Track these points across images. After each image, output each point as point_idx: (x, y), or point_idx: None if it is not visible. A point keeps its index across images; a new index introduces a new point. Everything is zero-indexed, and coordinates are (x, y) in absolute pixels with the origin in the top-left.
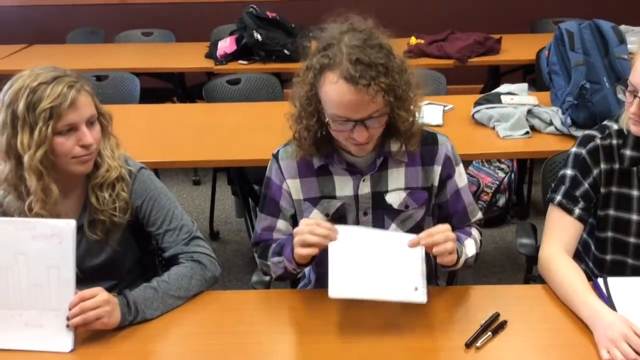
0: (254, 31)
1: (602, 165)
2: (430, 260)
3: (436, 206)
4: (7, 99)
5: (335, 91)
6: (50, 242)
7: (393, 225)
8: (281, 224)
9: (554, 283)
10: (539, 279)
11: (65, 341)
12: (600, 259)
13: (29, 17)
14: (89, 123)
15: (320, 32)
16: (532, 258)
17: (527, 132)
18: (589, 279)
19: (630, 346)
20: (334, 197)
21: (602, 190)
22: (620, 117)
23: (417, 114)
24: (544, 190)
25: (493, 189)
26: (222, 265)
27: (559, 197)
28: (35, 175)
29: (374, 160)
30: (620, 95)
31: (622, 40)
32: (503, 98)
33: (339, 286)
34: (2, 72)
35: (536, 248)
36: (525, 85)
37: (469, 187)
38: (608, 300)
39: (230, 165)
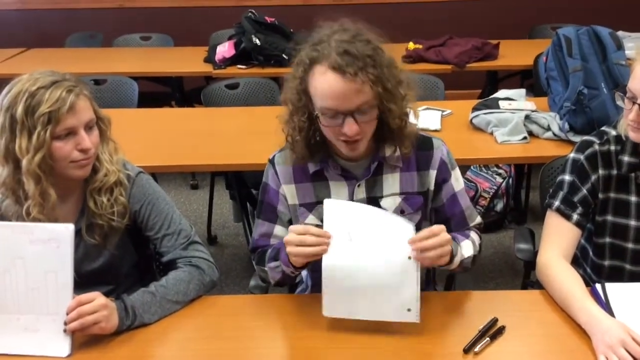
0: (253, 36)
1: (600, 171)
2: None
3: (433, 211)
4: (6, 103)
5: (323, 82)
6: (48, 246)
7: None
8: (279, 229)
9: (552, 288)
10: (537, 284)
11: (62, 346)
12: (598, 264)
13: (28, 21)
14: (88, 127)
15: (311, 34)
16: (530, 263)
17: (525, 138)
18: (587, 284)
19: (628, 352)
20: None
21: (600, 196)
22: (618, 123)
23: (410, 115)
24: (541, 195)
25: (491, 194)
26: (220, 269)
27: (557, 203)
28: (33, 180)
29: (368, 165)
30: (619, 102)
31: (620, 46)
32: (501, 103)
33: (333, 306)
34: (0, 76)
35: (534, 253)
36: (523, 91)
37: (467, 192)
38: (606, 306)
39: (228, 169)
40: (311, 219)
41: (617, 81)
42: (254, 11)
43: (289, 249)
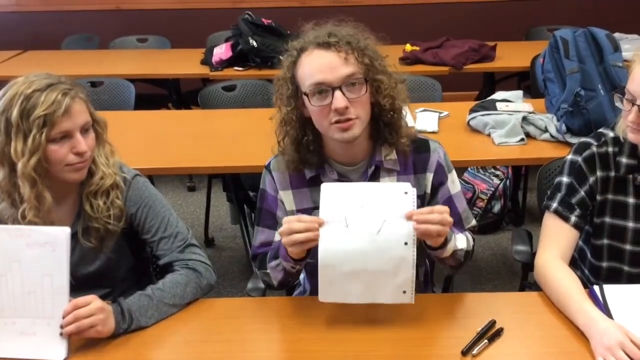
0: (250, 38)
1: (598, 173)
2: (426, 267)
3: None
4: (1, 106)
5: (310, 60)
6: (44, 249)
7: None
8: (278, 236)
9: (550, 290)
10: (535, 286)
11: (58, 349)
12: (596, 266)
13: (24, 23)
14: (83, 130)
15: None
16: (528, 265)
17: (522, 139)
18: (585, 286)
19: (626, 354)
20: None
21: (598, 197)
22: (616, 124)
23: (404, 112)
24: (539, 197)
25: (488, 195)
26: (217, 272)
27: (555, 205)
28: (28, 183)
29: (365, 169)
30: (618, 104)
31: (617, 48)
32: (498, 105)
33: (329, 291)
34: None
35: (532, 255)
36: (520, 93)
37: (464, 193)
38: (604, 308)
39: (225, 171)
40: None
41: (614, 83)
42: (250, 13)
43: (283, 239)
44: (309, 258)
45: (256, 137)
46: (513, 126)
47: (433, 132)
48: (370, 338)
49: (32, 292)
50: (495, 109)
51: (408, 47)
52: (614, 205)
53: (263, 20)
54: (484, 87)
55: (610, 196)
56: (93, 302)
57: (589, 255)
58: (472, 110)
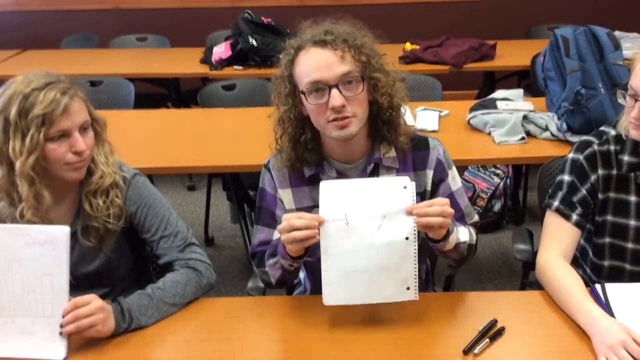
0: (249, 37)
1: (600, 171)
2: (427, 266)
3: None
4: (0, 105)
5: (307, 58)
6: (43, 248)
7: None
8: (277, 235)
9: (551, 289)
10: (536, 285)
11: (58, 349)
12: (597, 265)
13: (23, 23)
14: (82, 129)
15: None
16: (529, 264)
17: (522, 138)
18: (587, 285)
19: (629, 353)
20: None
21: (600, 196)
22: (618, 122)
23: (402, 110)
24: (540, 196)
25: (489, 194)
26: (217, 271)
27: (556, 203)
28: (27, 182)
29: (364, 167)
30: (621, 100)
31: (618, 46)
32: (498, 104)
33: (333, 294)
34: None
35: (533, 254)
36: (520, 91)
37: (465, 192)
38: (606, 307)
39: (225, 170)
40: None
41: (614, 81)
42: (250, 12)
43: (283, 237)
44: (308, 256)
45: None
46: (513, 125)
47: (433, 131)
48: (371, 337)
49: (31, 291)
50: (495, 107)
51: (408, 45)
52: (616, 204)
53: (263, 19)
54: (484, 86)
55: (612, 194)
56: (93, 301)
57: (590, 253)
58: (473, 109)
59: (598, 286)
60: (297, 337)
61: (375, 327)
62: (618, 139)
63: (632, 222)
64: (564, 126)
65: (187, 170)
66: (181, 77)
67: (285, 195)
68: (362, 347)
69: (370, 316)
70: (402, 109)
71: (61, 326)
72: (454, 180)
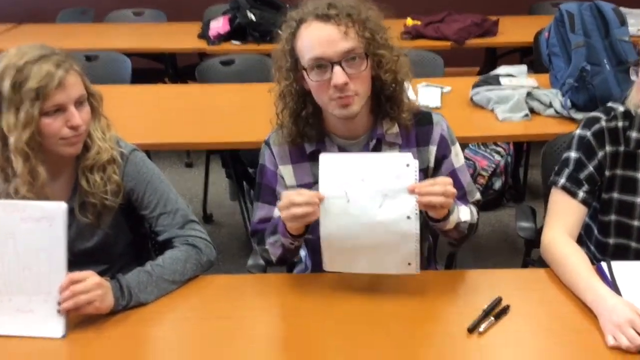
0: (248, 11)
1: (607, 148)
2: (430, 243)
3: None
4: None
5: (309, 33)
6: (40, 225)
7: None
8: (278, 212)
9: (556, 267)
10: (538, 263)
11: (56, 327)
12: (603, 242)
13: None
14: (78, 103)
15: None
16: (531, 242)
17: (526, 115)
18: (592, 263)
19: (636, 332)
20: None
21: (607, 173)
22: (627, 98)
23: (406, 86)
24: (544, 173)
25: (489, 172)
26: (217, 248)
27: (562, 180)
28: (21, 157)
29: (366, 143)
30: (633, 77)
31: (624, 22)
32: (502, 80)
33: (333, 261)
34: None
35: (536, 231)
36: (524, 67)
37: None
38: (612, 285)
39: (224, 147)
40: None
41: (620, 58)
42: None
43: (282, 214)
44: (309, 234)
45: (255, 113)
46: (517, 102)
47: (436, 108)
48: (373, 315)
49: (28, 268)
50: (499, 84)
51: (409, 21)
52: (623, 181)
53: None
54: (485, 63)
55: (619, 171)
56: (90, 277)
57: (595, 231)
58: (476, 86)
59: (604, 264)
60: (297, 315)
61: (377, 305)
62: (626, 115)
63: (639, 200)
64: (568, 103)
65: (185, 146)
66: (178, 52)
67: (286, 172)
68: (364, 324)
69: (372, 294)
70: (406, 85)
71: (59, 304)
72: (457, 157)
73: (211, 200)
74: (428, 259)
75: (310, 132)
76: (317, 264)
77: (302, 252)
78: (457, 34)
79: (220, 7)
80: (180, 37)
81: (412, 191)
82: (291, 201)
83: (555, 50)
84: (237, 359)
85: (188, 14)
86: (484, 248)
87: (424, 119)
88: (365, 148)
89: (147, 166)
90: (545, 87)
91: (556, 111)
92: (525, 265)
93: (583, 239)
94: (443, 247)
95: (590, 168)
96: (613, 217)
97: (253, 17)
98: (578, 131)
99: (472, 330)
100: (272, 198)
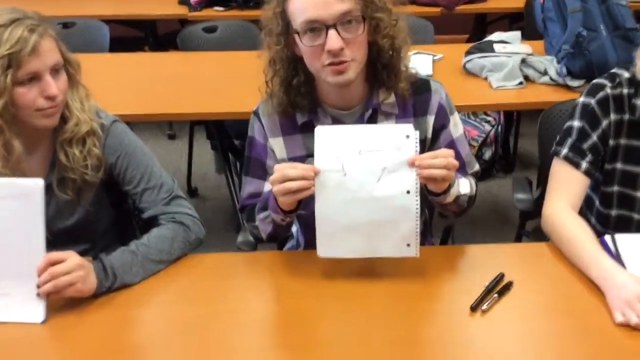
0: None
1: (612, 116)
2: (426, 216)
3: None
4: None
5: None
6: (15, 203)
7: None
8: (269, 186)
9: (559, 241)
10: (533, 235)
11: (36, 311)
12: (604, 214)
13: None
14: (54, 71)
15: None
16: (527, 213)
17: (521, 83)
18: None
19: None
20: None
21: (611, 142)
22: (636, 65)
23: (403, 53)
24: (541, 143)
25: (479, 142)
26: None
27: (565, 151)
28: None
29: (361, 113)
30: None
31: None
32: (496, 47)
33: (328, 246)
34: None
35: (533, 202)
36: (518, 34)
37: None
38: (616, 258)
39: (208, 118)
40: None
41: (616, 23)
42: None
43: (275, 188)
44: (301, 209)
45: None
46: (511, 69)
47: (428, 76)
48: (371, 293)
49: (3, 249)
50: (492, 50)
51: None
52: (627, 151)
53: None
54: (474, 30)
55: (623, 141)
56: (71, 257)
57: (597, 203)
58: (469, 53)
59: (608, 237)
60: (290, 296)
61: (374, 283)
62: (632, 81)
63: None
64: (564, 70)
65: (167, 117)
66: (158, 19)
67: (277, 144)
68: (362, 303)
69: (368, 271)
70: (403, 52)
71: (38, 286)
72: (456, 127)
73: (195, 173)
74: (424, 234)
75: (301, 102)
76: (309, 241)
77: (294, 228)
78: None
79: None
80: (160, 3)
81: (412, 164)
82: (285, 175)
83: (550, 15)
84: (228, 343)
85: None
86: (474, 219)
87: (421, 87)
88: (360, 119)
89: (130, 138)
90: (539, 54)
91: (551, 78)
92: (519, 237)
93: (583, 211)
94: (437, 219)
95: (594, 137)
96: (616, 188)
97: None
98: (582, 99)
99: (475, 308)
100: (262, 172)
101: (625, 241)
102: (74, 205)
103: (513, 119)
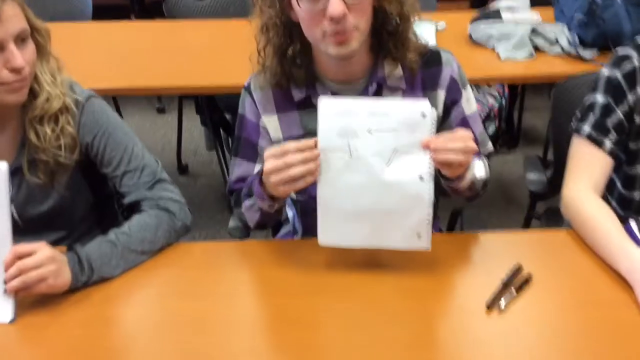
0: None
1: (639, 90)
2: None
3: None
4: None
5: None
6: None
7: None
8: (259, 169)
9: (582, 228)
10: (545, 218)
11: (3, 310)
12: (627, 197)
13: None
14: (20, 41)
15: None
16: (538, 195)
17: (530, 53)
18: None
19: None
20: None
21: (637, 119)
22: None
23: (412, 19)
24: (554, 120)
25: (483, 116)
26: (192, 202)
27: (587, 128)
28: None
29: (365, 88)
30: None
31: None
32: (504, 15)
33: (330, 233)
34: None
35: (547, 184)
36: (526, 0)
37: None
38: None
39: (197, 92)
40: None
41: None
42: None
43: (274, 178)
44: (298, 194)
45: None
46: (521, 38)
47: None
48: (376, 288)
49: None
50: (500, 18)
51: None
52: None
53: None
54: None
55: None
56: (40, 250)
57: (619, 185)
58: (474, 21)
59: (633, 223)
60: (290, 290)
61: (379, 275)
62: None
63: None
64: (576, 39)
65: (154, 92)
66: None
67: (271, 122)
68: (365, 300)
69: (374, 262)
70: (412, 20)
71: (5, 282)
72: (469, 103)
73: (185, 149)
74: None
75: (298, 74)
76: (308, 228)
77: (290, 213)
78: None
79: None
80: None
81: (426, 147)
82: (287, 163)
83: None
84: (217, 344)
85: None
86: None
87: (431, 59)
88: (363, 94)
89: (108, 115)
90: (548, 22)
91: (563, 49)
92: (528, 219)
93: (604, 193)
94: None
95: (619, 114)
96: None
97: None
98: (606, 72)
99: (491, 306)
100: (253, 153)
101: None
102: (48, 190)
103: (517, 91)
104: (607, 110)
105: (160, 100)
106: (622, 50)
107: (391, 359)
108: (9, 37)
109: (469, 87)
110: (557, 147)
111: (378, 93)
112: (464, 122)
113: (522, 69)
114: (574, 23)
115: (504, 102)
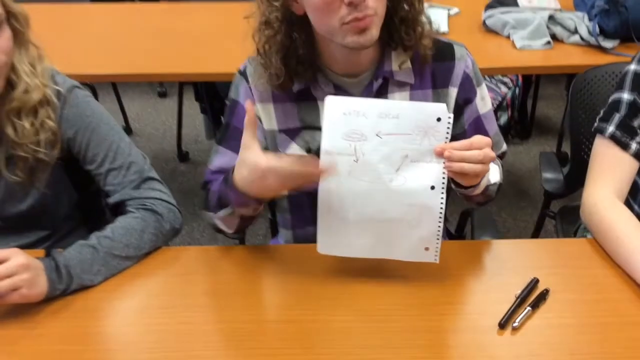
0: None
1: None
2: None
3: (452, 139)
4: None
5: None
6: None
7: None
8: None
9: (605, 239)
10: (560, 217)
11: None
12: None
13: None
14: None
15: None
16: (552, 194)
17: (548, 42)
18: None
19: None
20: (319, 129)
21: None
22: None
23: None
24: (573, 114)
25: (495, 105)
26: (192, 190)
27: (611, 128)
28: None
29: (370, 81)
30: None
31: None
32: (520, 1)
33: (330, 241)
34: None
35: (564, 183)
36: None
37: None
38: None
39: (197, 79)
40: (295, 148)
41: None
42: None
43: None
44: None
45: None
46: (538, 26)
47: (443, 34)
48: (379, 303)
49: None
50: (516, 5)
51: None
52: None
53: None
54: None
55: None
56: (13, 257)
57: None
58: (489, 7)
59: None
60: (291, 303)
61: (383, 288)
62: None
63: None
64: (597, 29)
65: (154, 77)
66: None
67: (266, 111)
68: (367, 316)
69: (377, 272)
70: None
71: None
72: (483, 101)
73: (186, 136)
74: None
75: (302, 70)
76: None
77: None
78: None
79: None
80: None
81: (440, 154)
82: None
83: None
84: (208, 357)
85: None
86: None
87: (443, 52)
88: (368, 88)
89: (92, 108)
90: (568, 9)
91: (582, 38)
92: (542, 218)
93: (626, 198)
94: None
95: None
96: None
97: None
98: (632, 67)
99: (504, 325)
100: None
101: None
102: (27, 188)
103: (532, 80)
104: (633, 109)
105: (161, 84)
106: None
107: None
108: None
109: (483, 84)
110: (574, 144)
111: (383, 88)
112: (478, 122)
113: (539, 59)
114: (595, 11)
115: (517, 91)
